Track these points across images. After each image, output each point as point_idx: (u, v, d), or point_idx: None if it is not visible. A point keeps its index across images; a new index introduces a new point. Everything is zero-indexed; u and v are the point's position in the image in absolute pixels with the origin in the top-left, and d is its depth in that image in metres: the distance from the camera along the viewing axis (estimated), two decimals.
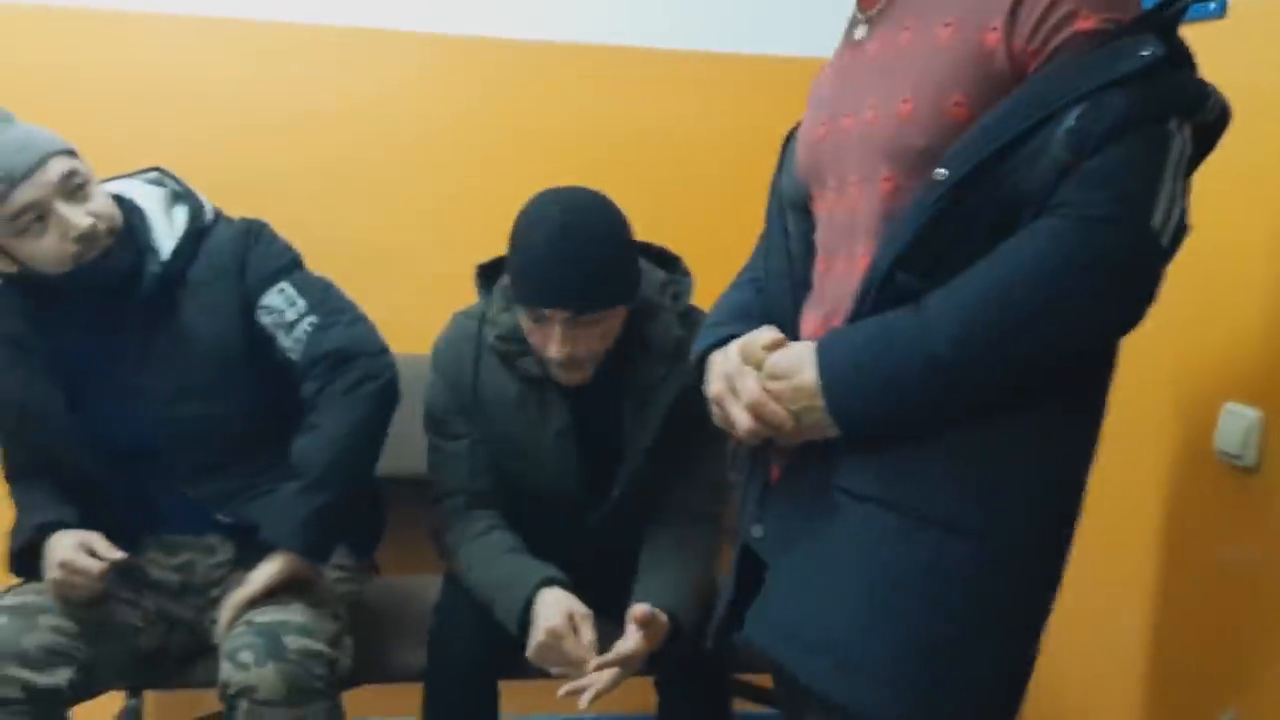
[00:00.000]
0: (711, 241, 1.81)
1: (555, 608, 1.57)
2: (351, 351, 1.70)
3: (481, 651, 1.67)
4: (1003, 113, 1.08)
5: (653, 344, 1.70)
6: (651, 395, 1.69)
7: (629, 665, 1.56)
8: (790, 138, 1.41)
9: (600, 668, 1.54)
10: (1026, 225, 1.06)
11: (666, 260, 1.80)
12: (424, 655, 1.74)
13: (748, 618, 1.25)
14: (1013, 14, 1.10)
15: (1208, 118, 1.13)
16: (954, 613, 1.11)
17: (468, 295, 1.80)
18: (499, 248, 1.67)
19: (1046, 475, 1.13)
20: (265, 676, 1.50)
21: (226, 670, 1.52)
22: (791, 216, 1.35)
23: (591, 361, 1.65)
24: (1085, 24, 1.08)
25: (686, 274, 1.79)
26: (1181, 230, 1.08)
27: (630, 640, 1.56)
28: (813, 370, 1.14)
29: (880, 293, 1.13)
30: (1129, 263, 1.06)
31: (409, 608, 1.94)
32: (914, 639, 1.11)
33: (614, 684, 1.54)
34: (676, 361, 1.66)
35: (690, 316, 1.71)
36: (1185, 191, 1.09)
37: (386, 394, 1.72)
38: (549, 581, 1.61)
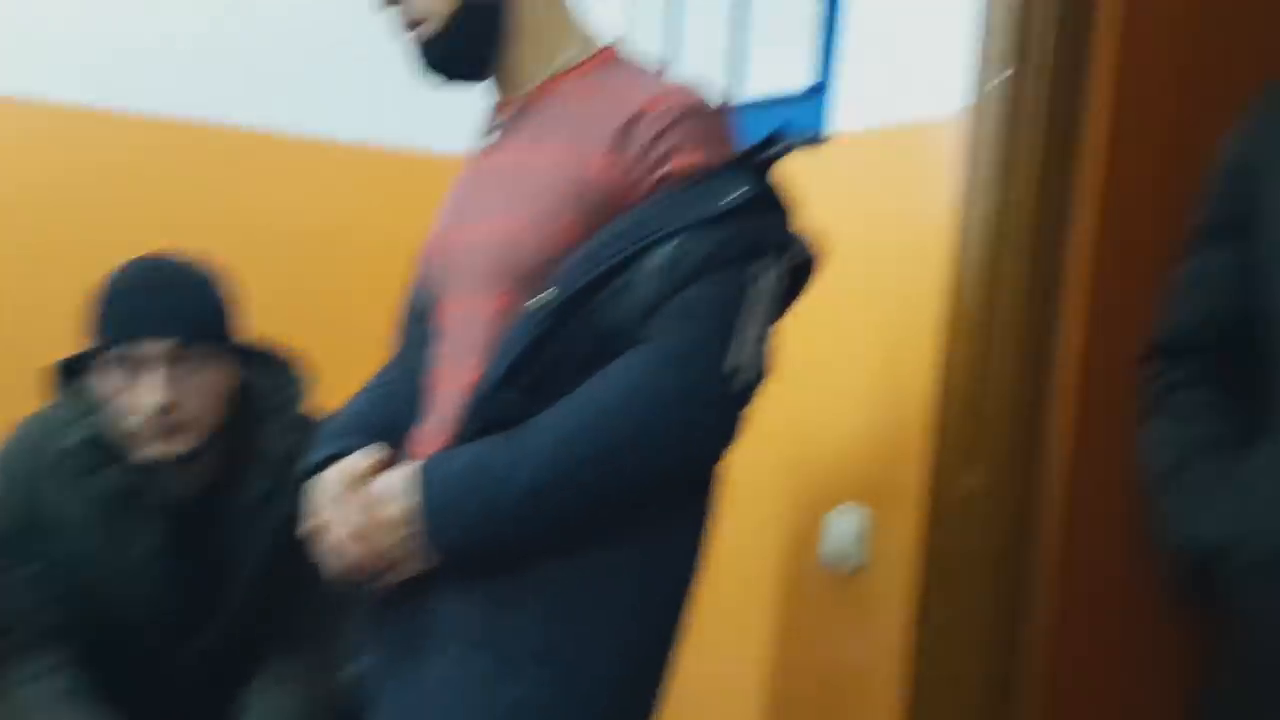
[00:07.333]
0: (347, 341, 1.71)
1: None
2: None
3: None
4: (601, 243, 1.11)
5: (263, 454, 1.56)
6: (260, 510, 1.55)
7: None
8: None
9: None
10: (619, 356, 1.09)
11: (280, 362, 1.65)
12: None
13: None
14: (618, 144, 1.13)
15: (793, 261, 1.19)
16: None
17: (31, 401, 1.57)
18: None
19: (640, 599, 1.14)
20: None
21: None
22: (423, 324, 1.30)
23: (197, 424, 1.47)
24: (683, 161, 1.12)
25: (303, 376, 1.66)
26: (761, 370, 1.13)
27: None
28: (412, 496, 1.11)
29: (484, 413, 1.12)
30: (700, 400, 1.09)
31: None
32: None
33: None
34: (288, 471, 1.52)
35: (305, 422, 1.58)
36: (768, 333, 1.14)
37: None
38: None
